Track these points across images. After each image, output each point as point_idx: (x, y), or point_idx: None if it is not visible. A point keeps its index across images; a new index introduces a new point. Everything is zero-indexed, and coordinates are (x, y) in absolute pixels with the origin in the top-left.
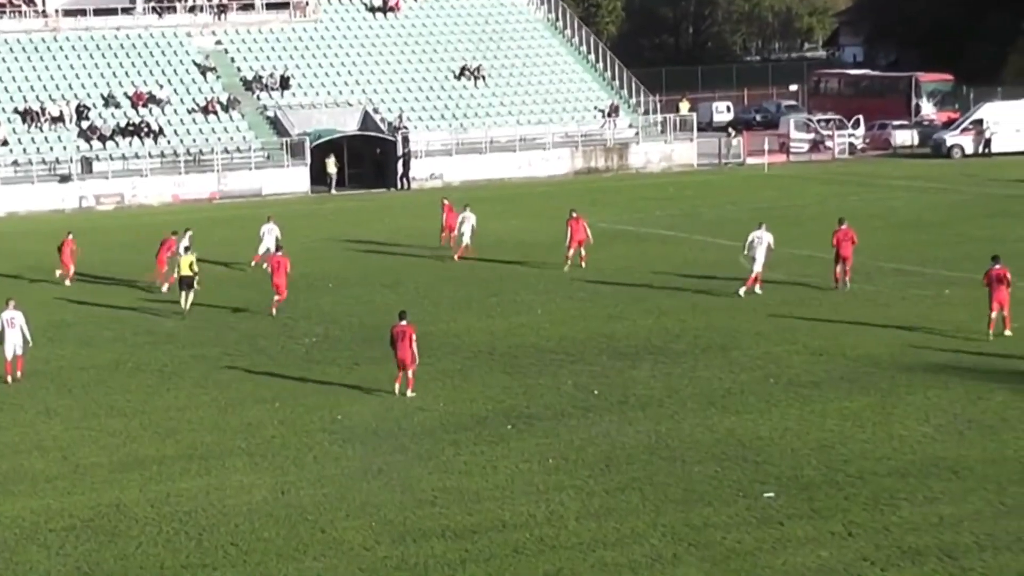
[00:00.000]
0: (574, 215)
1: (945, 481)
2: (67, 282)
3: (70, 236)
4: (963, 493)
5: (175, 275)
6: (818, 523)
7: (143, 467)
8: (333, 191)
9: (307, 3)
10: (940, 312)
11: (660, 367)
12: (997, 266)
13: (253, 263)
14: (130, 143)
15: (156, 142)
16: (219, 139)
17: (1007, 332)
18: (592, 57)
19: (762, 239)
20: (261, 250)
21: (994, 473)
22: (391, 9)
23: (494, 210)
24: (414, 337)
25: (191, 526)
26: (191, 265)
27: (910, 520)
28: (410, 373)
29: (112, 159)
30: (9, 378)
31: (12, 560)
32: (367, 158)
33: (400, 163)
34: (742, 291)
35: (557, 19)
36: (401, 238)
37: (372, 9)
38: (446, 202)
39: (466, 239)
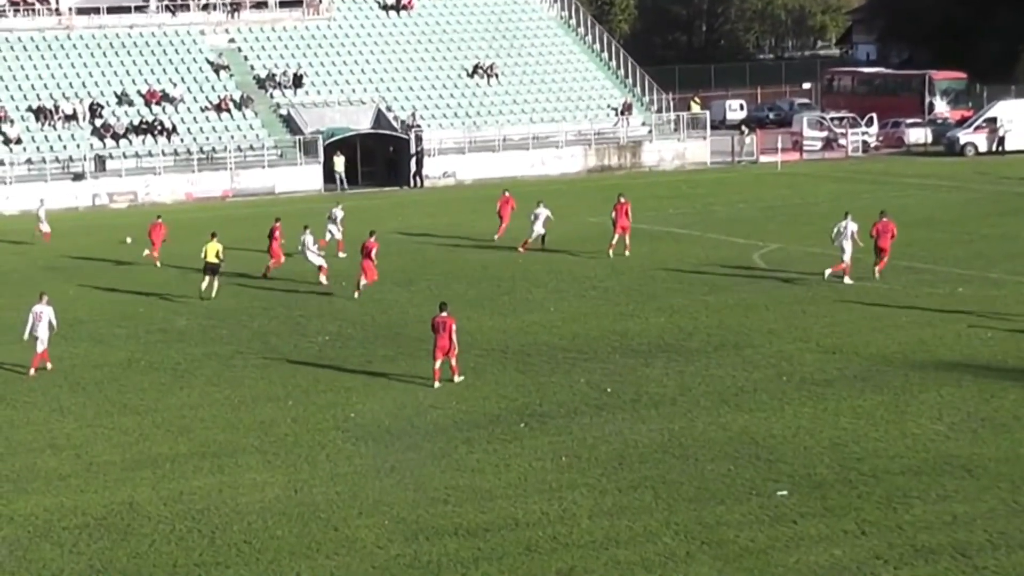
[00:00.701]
0: (622, 199)
1: (958, 479)
2: (156, 263)
3: (159, 219)
4: (977, 491)
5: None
6: (831, 521)
7: (156, 465)
8: (341, 189)
9: (320, 1)
10: (953, 309)
11: (673, 365)
12: None
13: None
14: (143, 141)
15: (169, 140)
16: (232, 137)
17: None
18: (605, 55)
19: (847, 228)
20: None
21: (1008, 471)
22: (404, 7)
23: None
24: (454, 328)
25: (204, 524)
26: (218, 253)
27: (923, 518)
28: (453, 361)
29: (125, 157)
30: (32, 371)
31: (25, 558)
32: (380, 156)
33: (413, 161)
34: (827, 272)
35: (570, 17)
36: (414, 236)
37: (385, 7)
38: (507, 193)
39: (537, 230)
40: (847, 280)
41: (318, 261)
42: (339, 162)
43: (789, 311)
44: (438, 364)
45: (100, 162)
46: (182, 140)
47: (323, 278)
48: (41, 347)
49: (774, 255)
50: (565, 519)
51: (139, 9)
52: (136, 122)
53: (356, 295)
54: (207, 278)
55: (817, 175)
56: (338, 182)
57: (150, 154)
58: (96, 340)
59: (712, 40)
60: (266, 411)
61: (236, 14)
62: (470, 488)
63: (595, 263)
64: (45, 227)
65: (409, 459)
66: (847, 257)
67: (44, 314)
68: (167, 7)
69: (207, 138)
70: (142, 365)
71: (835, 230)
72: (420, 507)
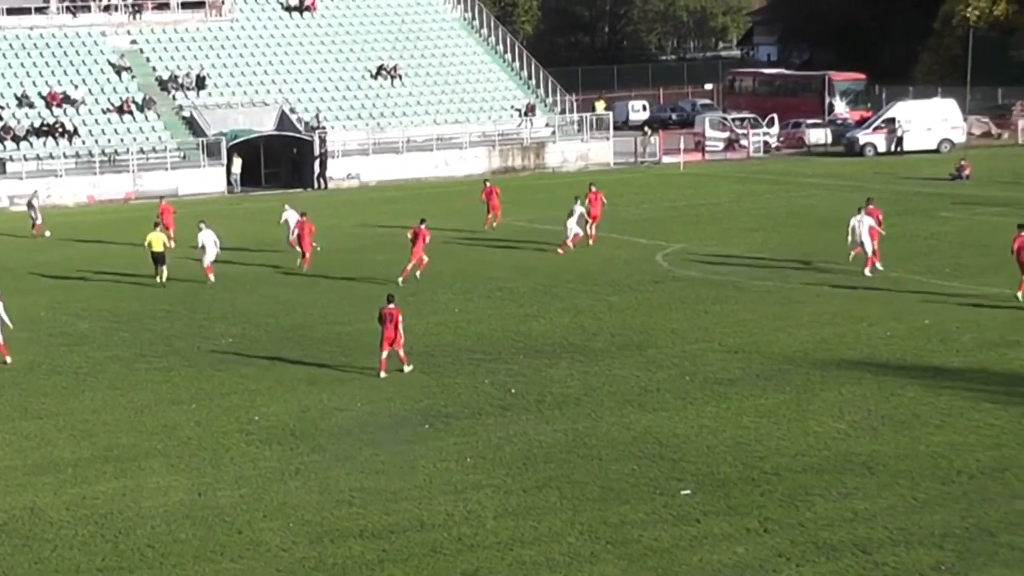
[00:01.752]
0: (593, 189)
1: (859, 477)
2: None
3: (305, 216)
4: (877, 489)
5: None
6: (734, 520)
7: (58, 470)
8: (237, 190)
9: (223, 2)
10: (853, 309)
11: (577, 366)
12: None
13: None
14: (44, 143)
15: (71, 142)
16: (135, 139)
17: None
18: (508, 56)
19: (862, 221)
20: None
21: (907, 468)
22: (307, 8)
23: (410, 210)
24: (400, 319)
25: (107, 529)
26: (164, 243)
27: (825, 516)
28: (401, 352)
29: (26, 160)
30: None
31: None
32: (284, 158)
33: (317, 163)
34: (867, 271)
35: (473, 18)
36: (319, 237)
37: (288, 8)
38: (594, 188)
39: (573, 228)
40: (879, 267)
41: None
42: (236, 163)
43: (692, 311)
44: (384, 355)
45: (0, 165)
46: (84, 142)
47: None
48: None
49: (677, 255)
50: (470, 520)
51: (39, 10)
52: (37, 124)
53: (400, 281)
54: (157, 267)
55: (719, 175)
56: (234, 183)
57: (51, 156)
58: None
59: (615, 41)
60: (170, 414)
61: (138, 15)
62: (375, 490)
63: (500, 263)
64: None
65: (314, 461)
66: (870, 249)
67: None
68: (68, 8)
69: (109, 140)
70: (44, 369)
71: (851, 225)
72: (325, 509)
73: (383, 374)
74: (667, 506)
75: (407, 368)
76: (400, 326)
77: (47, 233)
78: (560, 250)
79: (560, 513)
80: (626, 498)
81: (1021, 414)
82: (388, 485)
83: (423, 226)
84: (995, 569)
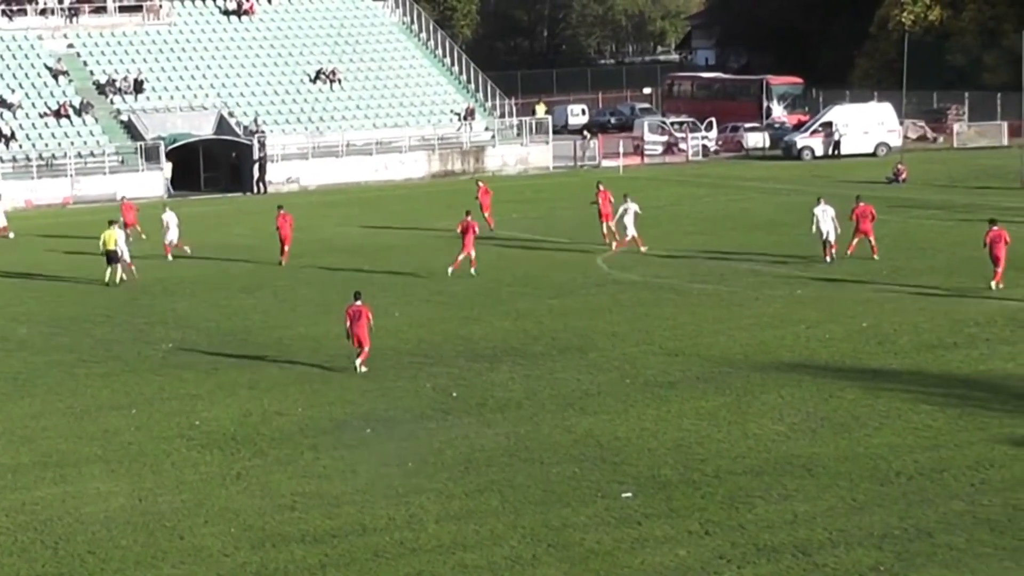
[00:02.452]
0: (601, 188)
1: (799, 479)
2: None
3: (282, 209)
4: (817, 490)
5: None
6: (676, 522)
7: None
8: (169, 195)
9: (160, 6)
10: (792, 312)
11: (518, 369)
12: (995, 228)
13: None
14: None
15: (8, 147)
16: (72, 143)
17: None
18: (448, 60)
19: (826, 211)
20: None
21: (846, 470)
22: (245, 12)
23: (351, 214)
24: (370, 316)
25: (47, 535)
26: (116, 240)
27: (765, 518)
28: (366, 348)
29: None
30: None
31: None
32: (223, 162)
33: (256, 167)
34: (827, 260)
35: (412, 22)
36: (258, 242)
37: (226, 12)
38: (602, 187)
39: (630, 230)
40: (834, 255)
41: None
42: (167, 168)
43: (632, 314)
44: (358, 351)
45: None
46: (21, 146)
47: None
48: None
49: (617, 258)
50: (412, 524)
51: None
52: None
53: (451, 271)
54: (109, 267)
55: (659, 179)
56: (167, 188)
57: None
58: None
59: (554, 45)
60: (110, 420)
61: (75, 19)
62: (317, 494)
63: (440, 267)
64: None
65: (255, 466)
66: (832, 237)
67: None
68: (3, 12)
69: (47, 144)
70: None
71: (814, 217)
72: (267, 514)
73: (364, 369)
74: (608, 509)
75: (363, 369)
76: (370, 322)
77: (11, 235)
78: (616, 246)
79: (502, 517)
80: (567, 501)
81: (958, 415)
82: (329, 489)
83: (469, 218)
84: (933, 569)
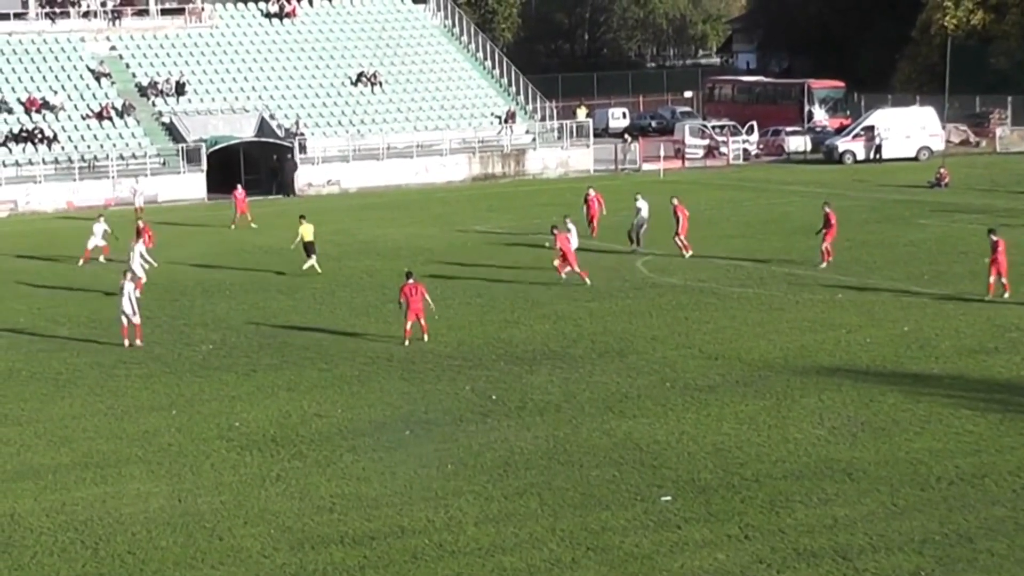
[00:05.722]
0: (591, 193)
1: (839, 483)
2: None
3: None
4: (857, 495)
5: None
6: (715, 526)
7: (38, 476)
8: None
9: (203, 9)
10: (833, 316)
11: (558, 372)
12: (994, 238)
13: (82, 262)
14: (23, 149)
15: (50, 148)
16: (114, 145)
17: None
18: (488, 63)
19: (640, 209)
20: (91, 245)
21: (887, 475)
22: (287, 15)
23: (391, 216)
24: (425, 291)
25: (87, 535)
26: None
27: (805, 522)
28: (423, 321)
29: (5, 166)
30: None
31: None
32: (263, 165)
33: (297, 169)
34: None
35: (453, 25)
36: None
37: (268, 15)
38: (592, 192)
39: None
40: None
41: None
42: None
43: (672, 318)
44: (409, 325)
45: None
46: (63, 148)
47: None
48: None
49: (657, 262)
50: (451, 526)
51: (18, 16)
52: (16, 130)
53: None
54: (309, 258)
55: (699, 183)
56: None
57: (30, 162)
58: None
59: (595, 49)
60: (150, 421)
61: (117, 21)
62: (355, 496)
63: (480, 270)
64: None
65: (294, 468)
66: (637, 239)
67: None
68: (47, 14)
69: (88, 146)
70: (23, 375)
71: (638, 211)
72: (305, 516)
73: (407, 342)
74: (647, 512)
75: (426, 338)
76: (427, 296)
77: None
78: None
79: (541, 519)
80: (606, 504)
81: (999, 420)
82: (368, 491)
83: (558, 230)
84: (974, 575)
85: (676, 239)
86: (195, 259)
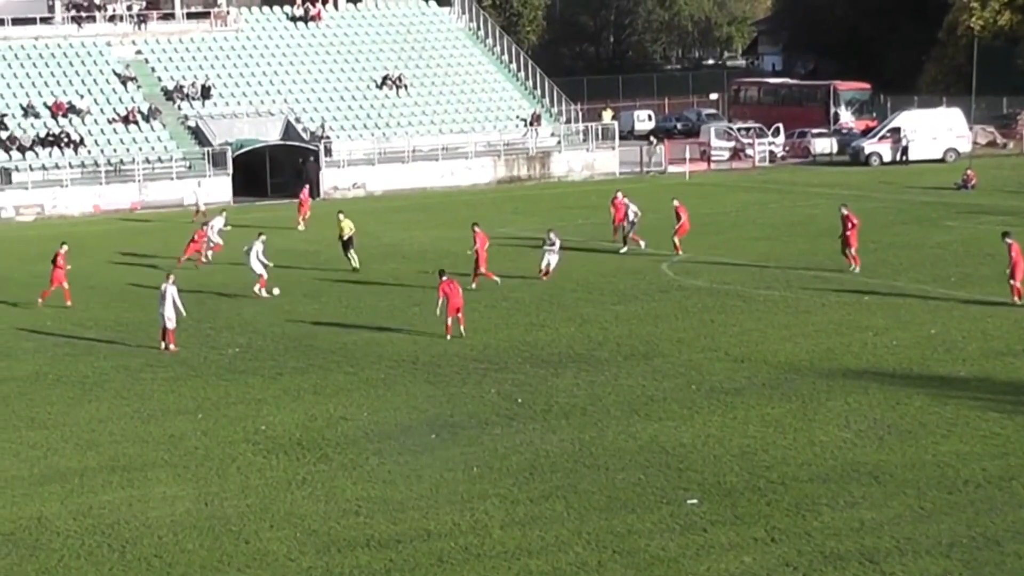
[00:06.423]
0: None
1: (865, 486)
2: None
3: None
4: (883, 498)
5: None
6: (741, 529)
7: (64, 480)
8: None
9: (228, 12)
10: (859, 318)
11: (583, 375)
12: (1009, 240)
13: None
14: (50, 153)
15: (76, 152)
16: (140, 149)
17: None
18: (513, 66)
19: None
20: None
21: (913, 478)
22: (312, 19)
23: (416, 219)
24: (459, 287)
25: (113, 538)
26: (351, 227)
27: (831, 525)
28: (460, 315)
29: (32, 170)
30: None
31: None
32: (289, 168)
33: (322, 172)
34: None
35: (478, 28)
36: (322, 247)
37: (293, 19)
38: (619, 196)
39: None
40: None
41: (259, 270)
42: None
43: (698, 321)
44: (450, 320)
45: (6, 175)
46: (89, 152)
47: (259, 289)
48: None
49: (682, 265)
50: (477, 530)
51: (44, 20)
52: (42, 134)
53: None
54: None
55: (725, 185)
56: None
57: (57, 166)
58: (3, 354)
59: (620, 51)
60: (176, 424)
61: (143, 25)
62: (381, 499)
63: (505, 273)
64: None
65: (320, 471)
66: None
67: None
68: (73, 18)
69: (115, 150)
70: (50, 379)
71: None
72: (331, 519)
73: (448, 336)
74: (673, 515)
75: (461, 329)
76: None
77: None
78: (641, 243)
79: (566, 523)
80: (632, 507)
81: None
82: (394, 495)
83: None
84: None
85: (674, 239)
86: (220, 262)
